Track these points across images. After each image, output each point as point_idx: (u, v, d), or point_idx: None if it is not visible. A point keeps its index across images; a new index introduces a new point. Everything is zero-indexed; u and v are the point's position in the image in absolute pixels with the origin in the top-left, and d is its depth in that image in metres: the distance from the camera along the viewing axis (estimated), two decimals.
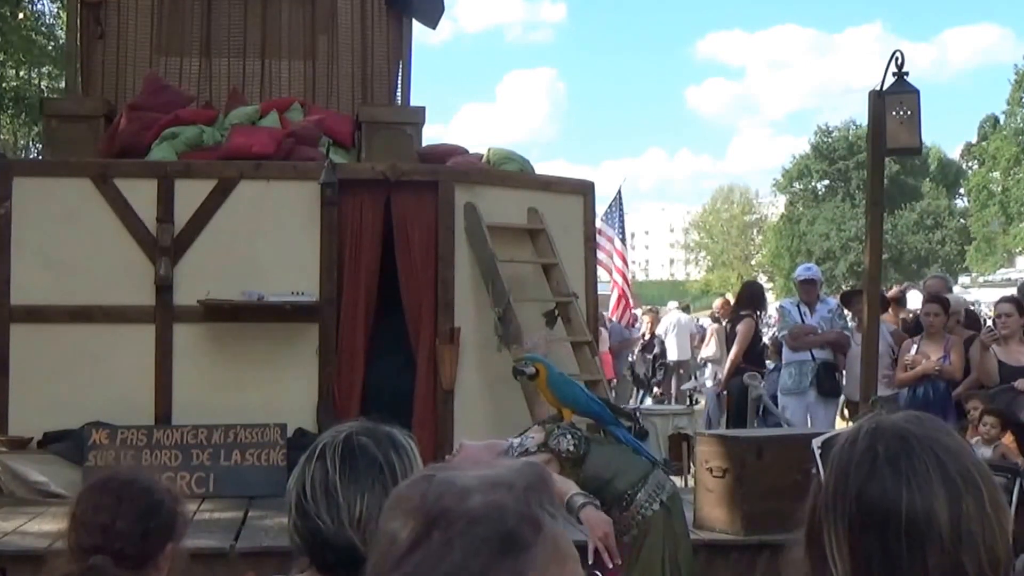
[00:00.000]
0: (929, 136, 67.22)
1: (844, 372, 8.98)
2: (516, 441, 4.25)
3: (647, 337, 14.69)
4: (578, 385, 5.00)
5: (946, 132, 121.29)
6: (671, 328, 15.59)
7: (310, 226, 7.68)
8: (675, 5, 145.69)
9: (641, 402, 13.69)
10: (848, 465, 1.36)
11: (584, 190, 8.85)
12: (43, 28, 21.55)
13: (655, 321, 15.64)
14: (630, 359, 14.08)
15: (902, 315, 9.75)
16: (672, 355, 15.17)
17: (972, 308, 11.19)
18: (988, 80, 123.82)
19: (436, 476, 1.14)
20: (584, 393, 4.82)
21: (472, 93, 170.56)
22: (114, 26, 9.23)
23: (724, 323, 16.14)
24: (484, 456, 4.07)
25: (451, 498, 1.09)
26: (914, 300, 11.16)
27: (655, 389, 14.72)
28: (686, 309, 19.22)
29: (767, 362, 10.39)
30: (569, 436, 4.20)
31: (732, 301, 15.88)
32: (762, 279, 55.99)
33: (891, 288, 12.85)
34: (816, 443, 1.44)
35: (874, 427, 1.39)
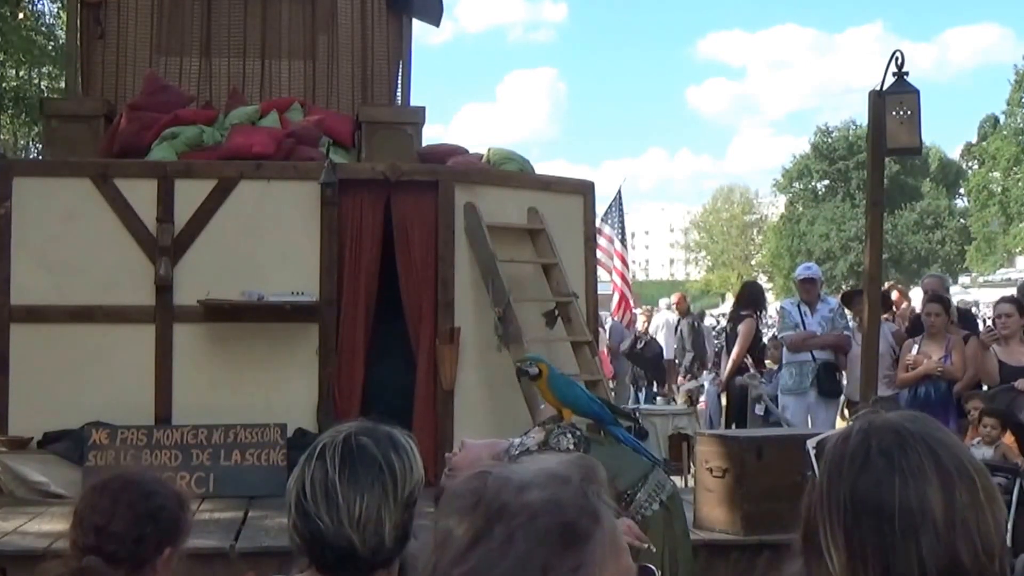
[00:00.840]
0: (929, 136, 67.19)
1: (845, 372, 8.97)
2: (517, 441, 4.26)
3: (642, 335, 14.68)
4: (578, 386, 5.00)
5: (946, 132, 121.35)
6: (660, 327, 15.63)
7: (310, 226, 7.68)
8: (676, 5, 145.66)
9: (650, 401, 13.67)
10: (842, 459, 1.36)
11: (584, 190, 8.85)
12: (43, 28, 21.53)
13: (649, 320, 15.67)
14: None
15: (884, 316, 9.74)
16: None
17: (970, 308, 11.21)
18: (989, 80, 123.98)
19: (492, 473, 1.14)
20: (584, 394, 4.83)
21: (473, 93, 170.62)
22: (114, 26, 9.23)
23: (680, 319, 16.29)
24: (485, 454, 4.08)
25: (509, 493, 1.10)
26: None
27: (655, 387, 14.72)
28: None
29: (767, 362, 10.39)
30: (569, 435, 4.21)
31: (697, 299, 16.12)
32: (762, 279, 55.99)
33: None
34: (811, 444, 1.44)
35: (867, 424, 1.39)
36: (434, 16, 9.85)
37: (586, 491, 1.13)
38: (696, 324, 16.50)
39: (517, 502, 1.09)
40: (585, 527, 1.10)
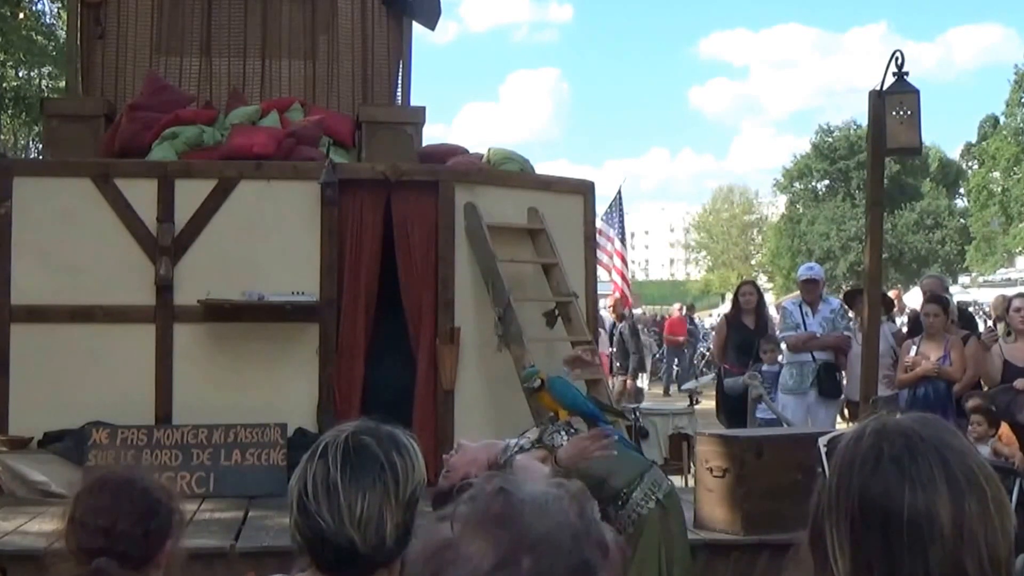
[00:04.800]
0: (929, 136, 67.24)
1: (845, 372, 8.97)
2: (513, 442, 4.27)
3: None
4: (573, 385, 5.02)
5: (947, 132, 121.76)
6: None
7: (310, 226, 7.68)
8: (680, 4, 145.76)
9: None
10: (852, 463, 1.35)
11: (584, 190, 8.85)
12: (43, 28, 21.54)
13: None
14: None
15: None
16: None
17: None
18: (991, 80, 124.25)
19: (513, 494, 1.14)
20: (578, 392, 4.86)
21: (475, 93, 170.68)
22: (114, 26, 9.23)
23: (616, 323, 16.42)
24: (482, 456, 4.09)
25: (535, 521, 1.10)
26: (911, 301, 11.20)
27: None
28: (691, 308, 19.38)
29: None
30: (563, 432, 4.22)
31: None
32: (762, 279, 55.99)
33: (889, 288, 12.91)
34: (822, 441, 1.44)
35: (880, 426, 1.38)
36: (430, 19, 9.82)
37: (596, 519, 1.15)
38: (634, 327, 16.82)
39: (544, 534, 1.10)
40: (598, 562, 1.12)
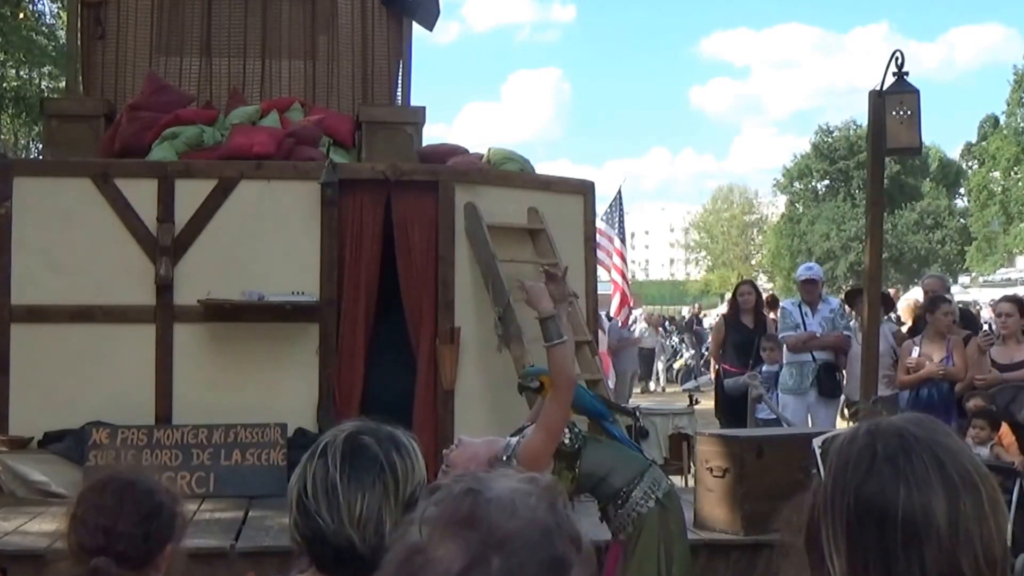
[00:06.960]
0: (929, 136, 67.26)
1: (845, 372, 8.97)
2: (513, 440, 4.26)
3: None
4: (579, 385, 5.02)
5: (947, 132, 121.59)
6: None
7: (310, 226, 7.69)
8: (681, 4, 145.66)
9: None
10: (847, 463, 1.36)
11: (584, 190, 8.86)
12: (43, 28, 21.52)
13: None
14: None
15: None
16: None
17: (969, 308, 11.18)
18: (992, 80, 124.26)
19: (482, 494, 1.13)
20: (586, 392, 4.85)
21: (477, 92, 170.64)
22: (114, 26, 9.24)
23: None
24: (482, 452, 4.10)
25: (504, 520, 1.10)
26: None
27: None
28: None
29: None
30: (566, 431, 4.22)
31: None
32: (762, 279, 56.02)
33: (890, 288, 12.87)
34: (817, 442, 1.44)
35: (874, 427, 1.39)
36: (429, 19, 9.81)
37: (568, 515, 1.14)
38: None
39: (513, 532, 1.09)
40: (571, 558, 1.11)
